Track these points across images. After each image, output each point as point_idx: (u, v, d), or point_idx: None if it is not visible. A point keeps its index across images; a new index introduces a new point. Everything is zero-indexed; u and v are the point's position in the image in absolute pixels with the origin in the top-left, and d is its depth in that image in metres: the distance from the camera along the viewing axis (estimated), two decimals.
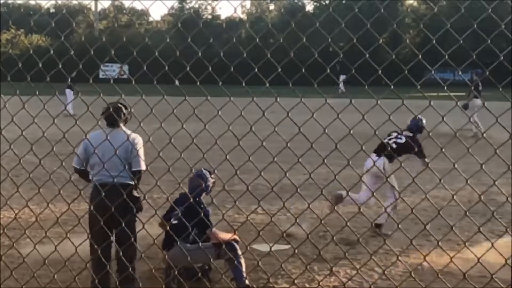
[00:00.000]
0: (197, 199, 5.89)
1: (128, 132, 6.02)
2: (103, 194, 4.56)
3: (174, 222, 5.92)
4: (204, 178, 6.24)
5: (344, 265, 6.52)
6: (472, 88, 18.95)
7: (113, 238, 5.62)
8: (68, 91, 25.64)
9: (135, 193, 5.88)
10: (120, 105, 6.09)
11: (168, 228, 5.76)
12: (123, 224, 4.39)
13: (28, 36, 67.64)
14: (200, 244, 5.64)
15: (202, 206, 6.05)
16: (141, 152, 5.91)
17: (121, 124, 6.06)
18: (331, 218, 7.17)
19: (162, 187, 4.22)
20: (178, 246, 5.80)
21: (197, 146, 3.63)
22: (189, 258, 5.09)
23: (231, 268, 5.80)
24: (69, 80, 27.00)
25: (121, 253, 4.80)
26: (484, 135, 3.32)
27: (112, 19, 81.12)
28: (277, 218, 8.33)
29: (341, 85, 38.22)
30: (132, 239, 5.39)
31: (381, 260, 6.80)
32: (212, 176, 6.31)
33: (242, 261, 5.80)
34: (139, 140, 5.98)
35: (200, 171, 6.28)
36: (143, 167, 5.90)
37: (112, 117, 5.91)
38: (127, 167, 5.82)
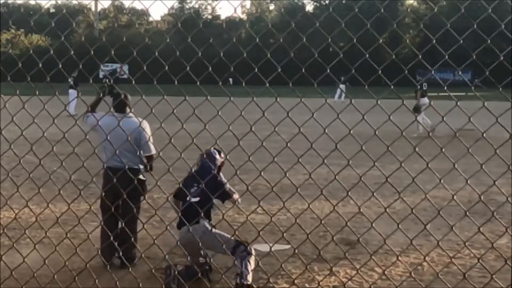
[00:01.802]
0: (212, 174, 5.99)
1: (135, 119, 6.37)
2: (114, 177, 4.68)
3: (194, 200, 5.95)
4: (212, 158, 6.32)
5: (344, 265, 6.52)
6: (418, 88, 20.00)
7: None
8: (71, 91, 25.63)
9: (141, 177, 6.34)
10: (126, 94, 6.60)
11: (178, 207, 6.07)
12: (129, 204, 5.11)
13: (28, 36, 67.65)
14: (222, 234, 5.84)
15: (219, 179, 6.15)
16: (150, 137, 6.26)
17: (129, 111, 6.48)
18: (331, 218, 7.17)
19: (162, 187, 4.22)
20: (201, 224, 5.89)
21: (197, 146, 3.63)
22: (207, 239, 5.51)
23: (240, 263, 5.76)
24: (71, 80, 26.65)
25: (123, 224, 5.68)
26: (484, 135, 3.32)
27: (112, 19, 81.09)
28: (277, 218, 8.33)
29: (336, 95, 38.07)
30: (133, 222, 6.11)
31: (381, 260, 6.79)
32: (222, 155, 6.39)
33: (252, 262, 5.77)
34: (146, 126, 6.29)
35: (209, 150, 6.37)
36: (153, 151, 6.44)
37: (123, 104, 6.44)
38: (136, 152, 6.30)
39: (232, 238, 5.85)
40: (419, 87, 20.14)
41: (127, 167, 5.30)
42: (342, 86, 37.45)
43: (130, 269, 5.35)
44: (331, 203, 4.14)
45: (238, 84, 3.50)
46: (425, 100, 19.52)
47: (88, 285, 4.47)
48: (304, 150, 3.52)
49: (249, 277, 5.67)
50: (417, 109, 17.98)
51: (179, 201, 6.32)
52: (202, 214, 5.35)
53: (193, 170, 5.95)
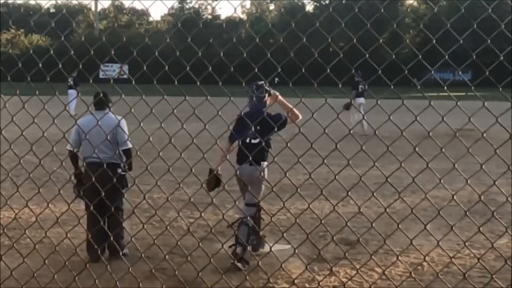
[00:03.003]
0: (263, 114, 6.24)
1: (113, 116, 6.83)
2: (94, 172, 5.23)
3: (254, 141, 6.44)
4: (260, 98, 6.60)
5: (344, 265, 6.52)
6: (353, 87, 20.45)
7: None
8: (70, 91, 25.61)
9: (119, 170, 6.68)
10: (105, 92, 6.95)
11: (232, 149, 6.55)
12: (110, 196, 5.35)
13: (28, 36, 67.64)
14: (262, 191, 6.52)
15: (273, 115, 6.44)
16: (126, 132, 6.75)
17: (107, 109, 6.92)
18: (331, 218, 7.17)
19: (162, 187, 4.22)
20: (262, 167, 6.36)
21: (197, 146, 3.63)
22: (258, 183, 6.21)
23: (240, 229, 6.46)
24: (71, 80, 26.60)
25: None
26: (484, 135, 3.32)
27: (112, 19, 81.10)
28: (277, 218, 8.33)
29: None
30: (115, 213, 6.31)
31: (381, 260, 6.79)
32: (267, 88, 6.64)
33: (245, 233, 6.47)
34: (123, 122, 6.73)
35: (255, 83, 6.62)
36: (129, 145, 6.77)
37: (102, 102, 6.84)
38: (113, 147, 6.64)
39: (258, 206, 6.46)
40: (354, 90, 20.52)
41: (106, 162, 5.81)
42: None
43: (130, 269, 5.35)
44: (331, 203, 4.14)
45: (238, 84, 3.49)
46: (361, 100, 20.13)
47: (88, 285, 4.47)
48: (304, 150, 3.52)
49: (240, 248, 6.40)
50: (347, 106, 18.36)
51: (231, 142, 6.64)
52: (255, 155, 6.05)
53: (242, 113, 6.12)
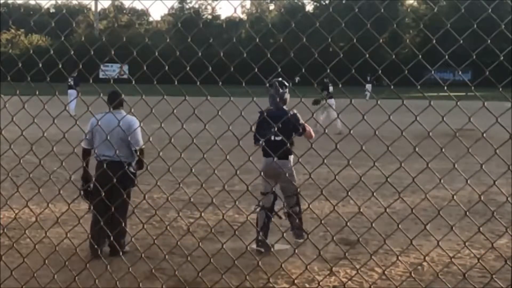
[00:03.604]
0: (286, 115, 6.65)
1: (126, 116, 6.94)
2: (106, 168, 5.37)
3: (278, 138, 6.89)
4: (277, 89, 6.95)
5: (344, 265, 6.52)
6: (322, 88, 20.23)
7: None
8: (70, 91, 25.59)
9: (131, 169, 6.83)
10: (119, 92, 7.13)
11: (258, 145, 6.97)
12: (121, 194, 5.44)
13: (28, 36, 67.64)
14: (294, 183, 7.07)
15: (296, 118, 6.88)
16: (139, 132, 6.93)
17: (121, 108, 7.05)
18: (331, 218, 7.17)
19: (162, 187, 4.22)
20: (289, 160, 6.93)
21: (197, 146, 3.63)
22: (288, 177, 6.68)
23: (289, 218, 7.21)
24: (71, 80, 26.58)
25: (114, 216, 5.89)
26: (484, 135, 3.32)
27: (112, 19, 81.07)
28: (277, 218, 8.32)
29: (367, 92, 38.44)
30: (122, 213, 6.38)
31: (381, 260, 6.79)
32: (286, 85, 7.02)
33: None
34: (136, 122, 6.92)
35: (275, 82, 6.96)
36: (141, 144, 6.95)
37: (116, 101, 6.93)
38: (126, 146, 6.79)
39: (295, 194, 7.07)
40: (324, 91, 20.14)
41: (118, 160, 6.10)
42: (368, 85, 37.57)
43: (130, 269, 5.35)
44: (331, 203, 4.14)
45: (238, 84, 3.49)
46: (332, 100, 20.09)
47: (88, 285, 4.47)
48: (304, 150, 3.52)
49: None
50: (316, 102, 18.51)
51: (256, 145, 7.08)
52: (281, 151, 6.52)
53: (265, 114, 6.57)
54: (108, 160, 6.58)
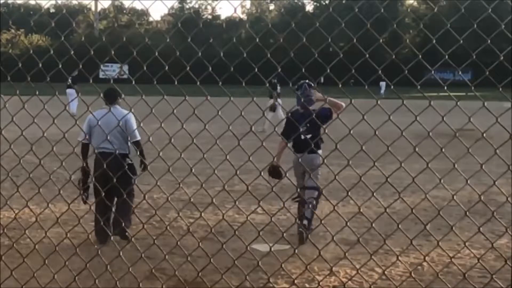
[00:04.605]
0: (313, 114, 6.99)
1: (122, 110, 7.34)
2: (104, 161, 5.57)
3: (309, 136, 7.40)
4: (309, 100, 7.26)
5: (344, 265, 6.52)
6: (271, 88, 21.13)
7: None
8: (69, 90, 25.58)
9: (128, 160, 7.23)
10: (115, 88, 7.45)
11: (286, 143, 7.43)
12: (121, 184, 5.53)
13: (28, 36, 67.64)
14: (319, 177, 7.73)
15: (323, 113, 7.05)
16: (135, 126, 7.33)
17: (117, 104, 7.37)
18: (331, 218, 7.17)
19: (162, 187, 4.22)
20: (318, 154, 7.42)
21: (197, 146, 3.63)
22: (316, 169, 7.38)
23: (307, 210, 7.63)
24: (70, 80, 26.56)
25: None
26: (484, 135, 3.32)
27: (112, 19, 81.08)
28: (277, 218, 8.32)
29: (382, 90, 39.10)
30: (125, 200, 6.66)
31: (381, 260, 6.79)
32: (313, 86, 7.34)
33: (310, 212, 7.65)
34: (131, 116, 7.31)
35: (303, 84, 7.27)
36: (138, 137, 7.38)
37: (112, 97, 7.25)
38: (123, 139, 7.22)
39: (319, 189, 7.49)
40: (274, 91, 21.35)
41: (114, 151, 6.42)
42: (382, 83, 37.91)
43: (130, 269, 5.35)
44: (331, 203, 4.14)
45: (238, 84, 3.49)
46: (279, 100, 21.46)
47: (88, 285, 4.47)
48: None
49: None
50: (273, 108, 20.10)
51: (285, 143, 7.49)
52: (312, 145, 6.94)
53: (289, 114, 7.18)
54: (107, 152, 6.94)
